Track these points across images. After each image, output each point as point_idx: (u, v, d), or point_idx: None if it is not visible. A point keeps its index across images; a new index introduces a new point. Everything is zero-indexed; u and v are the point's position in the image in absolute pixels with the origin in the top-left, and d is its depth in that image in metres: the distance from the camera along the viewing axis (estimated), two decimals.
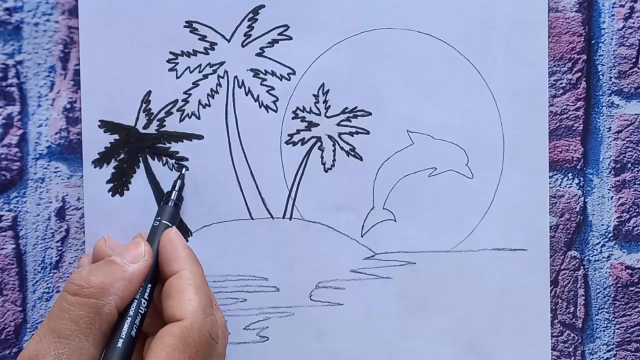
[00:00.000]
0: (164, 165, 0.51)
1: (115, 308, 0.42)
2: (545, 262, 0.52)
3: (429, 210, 0.51)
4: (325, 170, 0.51)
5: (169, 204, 0.48)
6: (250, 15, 0.50)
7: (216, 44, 0.51)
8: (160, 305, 0.45)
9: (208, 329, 0.43)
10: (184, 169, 0.50)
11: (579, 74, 0.52)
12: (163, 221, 0.47)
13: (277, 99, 0.51)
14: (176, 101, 0.51)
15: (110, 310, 0.42)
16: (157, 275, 0.45)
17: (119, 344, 0.42)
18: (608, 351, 0.53)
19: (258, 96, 0.51)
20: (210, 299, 0.44)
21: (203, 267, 0.51)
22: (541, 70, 0.51)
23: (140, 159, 0.51)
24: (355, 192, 0.51)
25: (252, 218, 0.51)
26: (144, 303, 0.44)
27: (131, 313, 0.43)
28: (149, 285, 0.44)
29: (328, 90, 0.51)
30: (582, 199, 0.52)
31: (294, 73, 0.51)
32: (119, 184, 0.50)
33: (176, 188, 0.49)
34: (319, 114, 0.51)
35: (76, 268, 0.47)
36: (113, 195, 0.50)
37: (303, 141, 0.51)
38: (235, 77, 0.51)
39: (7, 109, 0.51)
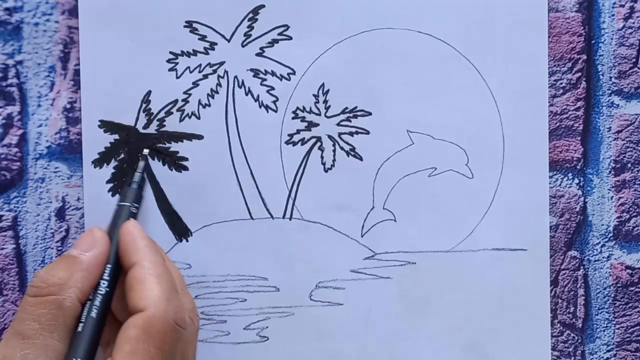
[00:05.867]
0: (163, 165, 0.51)
1: (77, 300, 0.42)
2: (545, 262, 0.52)
3: (429, 210, 0.51)
4: (325, 170, 0.51)
5: (131, 186, 0.48)
6: (250, 15, 0.50)
7: (216, 44, 0.51)
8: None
9: (172, 317, 0.42)
10: (146, 151, 0.50)
11: (579, 74, 0.52)
12: (122, 203, 0.47)
13: (277, 99, 0.51)
14: (176, 101, 0.51)
15: (72, 303, 0.42)
16: (118, 261, 0.45)
17: (80, 328, 0.42)
18: (608, 351, 0.53)
19: (258, 96, 0.51)
20: (173, 286, 0.44)
21: (203, 267, 0.51)
22: (541, 70, 0.51)
23: (140, 158, 0.50)
24: (355, 192, 0.51)
25: (252, 218, 0.51)
26: (104, 284, 0.44)
27: (90, 297, 0.43)
28: (108, 266, 0.44)
29: (328, 90, 0.51)
30: (582, 199, 0.53)
31: (294, 73, 0.51)
32: (119, 184, 0.50)
33: (138, 169, 0.49)
34: (319, 114, 0.51)
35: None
36: (113, 195, 0.50)
37: (303, 141, 0.51)
38: (235, 77, 0.51)
39: (7, 109, 0.51)
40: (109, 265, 0.44)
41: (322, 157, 0.51)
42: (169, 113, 0.51)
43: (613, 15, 0.52)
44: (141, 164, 0.49)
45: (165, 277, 0.44)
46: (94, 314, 0.42)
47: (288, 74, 0.51)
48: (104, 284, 0.43)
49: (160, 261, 0.45)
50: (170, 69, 0.50)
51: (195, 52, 0.50)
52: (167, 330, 0.42)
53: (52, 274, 0.42)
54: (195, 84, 0.51)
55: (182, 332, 0.43)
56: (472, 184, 0.52)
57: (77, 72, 0.50)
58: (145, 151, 0.50)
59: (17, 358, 0.40)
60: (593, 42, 0.52)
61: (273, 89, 0.51)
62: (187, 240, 0.51)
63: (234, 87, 0.51)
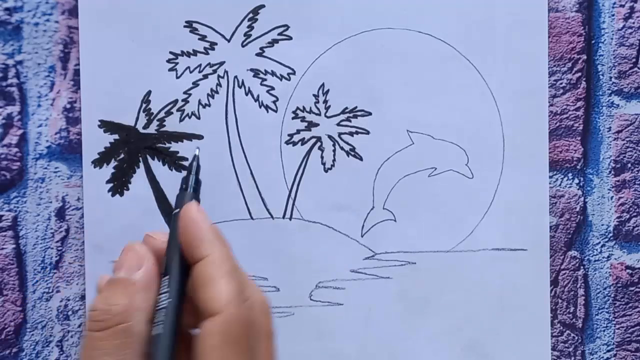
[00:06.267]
0: (163, 165, 0.51)
1: (145, 323, 0.40)
2: (545, 262, 0.52)
3: (429, 210, 0.51)
4: (325, 170, 0.51)
5: (188, 190, 0.44)
6: (250, 15, 0.50)
7: (216, 44, 0.51)
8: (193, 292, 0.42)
9: (247, 315, 0.40)
10: (197, 150, 0.47)
11: (579, 74, 0.52)
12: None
13: (277, 99, 0.51)
14: (176, 101, 0.51)
15: (141, 326, 0.40)
16: (178, 262, 0.42)
17: (154, 348, 0.40)
18: (608, 351, 0.53)
19: (258, 96, 0.51)
20: (245, 281, 0.41)
21: None
22: (541, 70, 0.51)
23: (140, 159, 0.51)
24: (355, 192, 0.51)
25: (252, 218, 0.51)
26: (163, 298, 0.41)
27: (156, 315, 0.40)
28: (165, 279, 0.41)
29: (328, 90, 0.51)
30: (582, 199, 0.53)
31: (294, 73, 0.51)
32: (119, 184, 0.50)
33: (192, 172, 0.44)
34: (319, 114, 0.51)
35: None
36: (113, 195, 0.50)
37: (303, 141, 0.51)
38: (235, 77, 0.51)
39: (7, 109, 0.51)
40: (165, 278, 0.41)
41: (322, 157, 0.51)
42: (169, 113, 0.51)
43: (613, 15, 0.52)
44: (194, 165, 0.44)
45: (236, 272, 0.41)
46: (160, 329, 0.40)
47: (288, 74, 0.51)
48: (164, 297, 0.41)
49: (229, 254, 0.42)
50: (170, 69, 0.50)
51: (195, 52, 0.50)
52: (247, 329, 0.40)
53: (113, 303, 0.40)
54: (195, 84, 0.51)
55: (260, 329, 0.41)
56: (472, 184, 0.52)
57: (77, 72, 0.50)
58: (196, 151, 0.46)
59: None
60: (593, 42, 0.52)
61: (273, 89, 0.51)
62: None
63: (234, 87, 0.51)
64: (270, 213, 0.51)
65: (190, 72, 0.51)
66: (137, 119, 0.50)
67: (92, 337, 0.40)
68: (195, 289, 0.41)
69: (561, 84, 0.52)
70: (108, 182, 0.50)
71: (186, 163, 0.51)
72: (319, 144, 0.51)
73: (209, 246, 0.41)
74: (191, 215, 0.42)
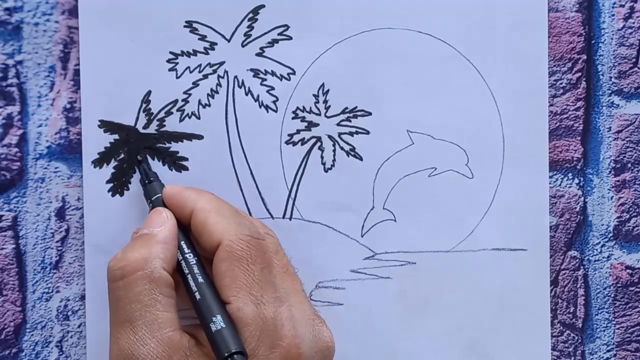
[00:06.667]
0: (163, 165, 0.51)
1: (164, 270, 0.42)
2: (545, 262, 0.52)
3: (429, 210, 0.51)
4: (325, 170, 0.51)
5: (151, 182, 0.48)
6: (250, 15, 0.50)
7: (216, 44, 0.51)
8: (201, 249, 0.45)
9: (246, 233, 0.43)
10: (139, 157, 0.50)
11: (579, 74, 0.52)
12: (158, 197, 0.47)
13: (277, 99, 0.51)
14: (176, 101, 0.51)
15: (160, 273, 0.42)
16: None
17: (198, 298, 0.42)
18: (608, 351, 0.53)
19: (258, 96, 0.51)
20: (235, 211, 0.45)
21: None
22: (541, 70, 0.51)
23: (141, 159, 0.50)
24: (355, 192, 0.51)
25: None
26: (191, 257, 0.44)
27: (186, 270, 0.44)
28: (182, 242, 0.45)
29: (328, 90, 0.51)
30: (582, 199, 0.53)
31: (294, 73, 0.51)
32: (119, 184, 0.50)
33: (145, 169, 0.49)
34: (319, 114, 0.51)
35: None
36: (113, 195, 0.50)
37: (303, 141, 0.51)
38: (235, 77, 0.51)
39: (7, 109, 0.51)
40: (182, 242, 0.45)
41: (322, 157, 0.51)
42: (169, 113, 0.51)
43: (613, 15, 0.52)
44: (143, 165, 0.50)
45: (223, 206, 0.45)
46: (201, 279, 0.43)
47: (288, 74, 0.51)
48: (190, 256, 0.44)
49: (210, 197, 0.46)
50: (170, 69, 0.50)
51: (195, 52, 0.50)
52: (250, 244, 0.43)
53: (131, 252, 0.43)
54: (195, 84, 0.51)
55: (263, 243, 0.44)
56: (472, 184, 0.52)
57: (77, 72, 0.50)
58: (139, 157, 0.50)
59: (137, 345, 0.40)
60: (593, 42, 0.52)
61: (273, 89, 0.51)
62: None
63: (234, 87, 0.51)
64: (270, 213, 0.51)
65: (190, 72, 0.51)
66: (137, 119, 0.50)
67: (115, 287, 0.42)
68: (198, 239, 0.45)
69: (561, 84, 0.52)
70: (108, 182, 0.50)
71: (186, 163, 0.51)
72: (319, 144, 0.51)
73: (191, 202, 0.45)
74: (169, 193, 0.47)
